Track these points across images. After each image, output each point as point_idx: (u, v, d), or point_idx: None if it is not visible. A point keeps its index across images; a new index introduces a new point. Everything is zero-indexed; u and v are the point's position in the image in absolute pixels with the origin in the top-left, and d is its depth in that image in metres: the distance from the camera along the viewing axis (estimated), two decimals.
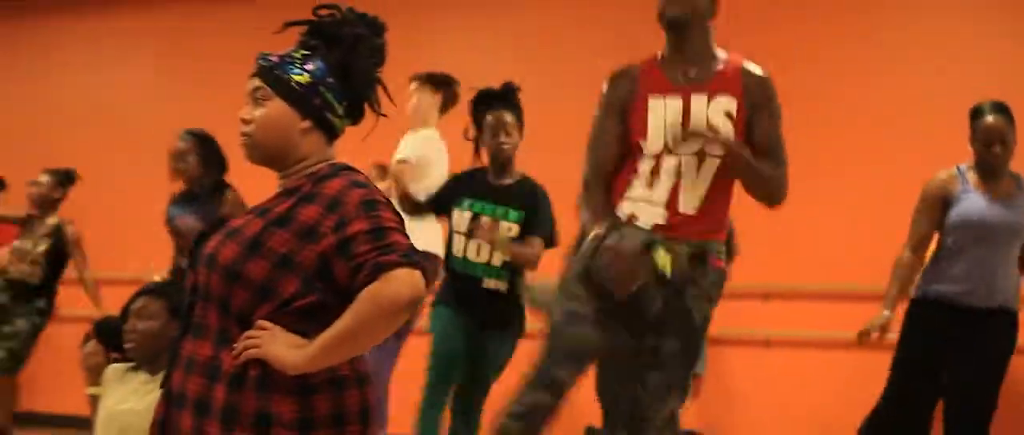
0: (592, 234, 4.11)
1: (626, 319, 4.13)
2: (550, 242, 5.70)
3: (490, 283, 5.67)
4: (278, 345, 2.52)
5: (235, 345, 2.55)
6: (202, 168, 6.01)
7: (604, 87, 4.32)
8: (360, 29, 2.73)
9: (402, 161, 6.33)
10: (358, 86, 2.73)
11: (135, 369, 4.67)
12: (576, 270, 4.17)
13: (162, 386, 2.70)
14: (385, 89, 2.79)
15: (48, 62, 9.84)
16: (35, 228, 7.96)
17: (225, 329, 2.59)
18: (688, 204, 4.11)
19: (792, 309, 7.35)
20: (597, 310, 4.12)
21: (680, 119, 4.09)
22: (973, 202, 5.41)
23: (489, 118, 5.65)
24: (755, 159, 4.13)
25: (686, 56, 4.17)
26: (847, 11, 7.47)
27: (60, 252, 7.91)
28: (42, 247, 7.89)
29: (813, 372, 7.22)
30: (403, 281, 2.47)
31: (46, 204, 7.97)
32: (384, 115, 2.80)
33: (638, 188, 4.16)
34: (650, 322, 4.12)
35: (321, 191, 2.60)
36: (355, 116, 2.77)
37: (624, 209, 4.16)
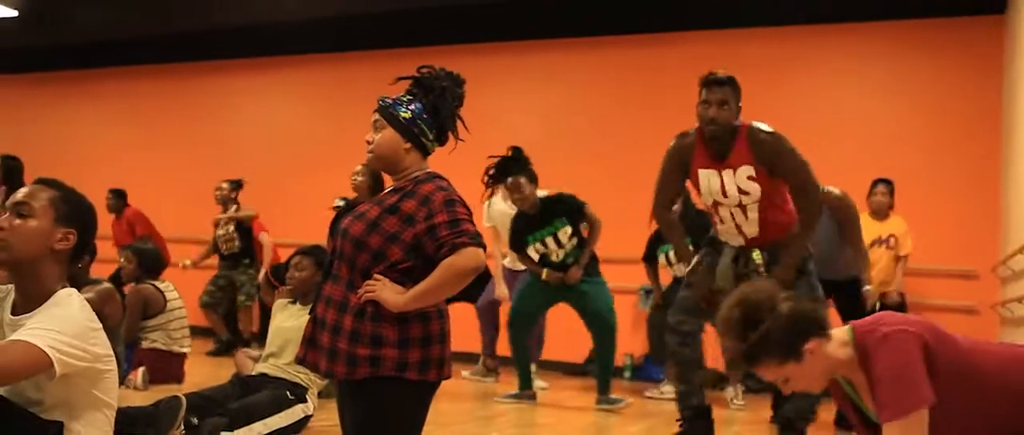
0: (694, 260, 4.21)
1: None
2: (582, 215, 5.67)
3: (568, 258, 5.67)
4: (387, 291, 2.54)
5: (358, 290, 2.58)
6: (371, 182, 6.01)
7: (672, 144, 4.20)
8: (446, 82, 2.72)
9: None
10: (444, 120, 2.72)
11: (292, 302, 4.74)
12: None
13: (310, 314, 2.72)
14: (462, 122, 2.78)
15: (233, 105, 9.92)
16: (222, 220, 8.11)
17: (352, 279, 2.61)
18: (751, 232, 4.11)
19: None
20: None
21: (719, 187, 4.06)
22: None
23: (510, 181, 5.51)
24: (798, 225, 4.10)
25: (715, 146, 4.07)
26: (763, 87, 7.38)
27: (243, 228, 8.05)
28: (232, 228, 8.03)
29: None
30: (470, 256, 2.53)
31: (227, 201, 8.13)
32: (462, 140, 2.79)
33: (718, 226, 4.18)
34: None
35: (418, 191, 2.62)
36: (442, 140, 2.77)
37: (717, 237, 4.22)
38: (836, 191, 5.17)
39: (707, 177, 4.09)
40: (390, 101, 2.71)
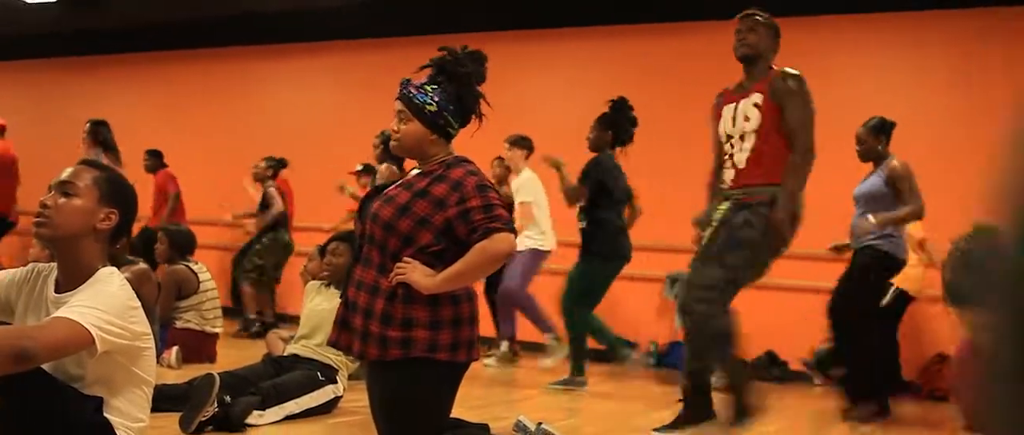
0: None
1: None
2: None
3: (580, 224, 5.73)
4: (417, 274, 2.56)
5: (390, 273, 2.60)
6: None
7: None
8: (469, 67, 2.71)
9: (525, 202, 6.48)
10: (468, 107, 2.73)
11: (327, 285, 4.78)
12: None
13: (341, 297, 2.75)
14: (486, 100, 2.76)
15: (268, 91, 9.95)
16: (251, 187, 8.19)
17: (383, 262, 2.63)
18: (740, 161, 4.06)
19: None
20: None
21: (730, 117, 4.12)
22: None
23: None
24: (790, 165, 4.00)
25: (751, 77, 4.13)
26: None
27: (264, 204, 8.08)
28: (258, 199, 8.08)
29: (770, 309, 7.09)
30: (503, 240, 2.55)
31: (263, 179, 8.14)
32: (483, 116, 2.76)
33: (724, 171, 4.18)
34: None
35: (448, 175, 2.63)
36: (465, 124, 2.76)
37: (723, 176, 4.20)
38: (896, 161, 5.28)
39: (729, 112, 4.15)
40: (414, 91, 2.69)
